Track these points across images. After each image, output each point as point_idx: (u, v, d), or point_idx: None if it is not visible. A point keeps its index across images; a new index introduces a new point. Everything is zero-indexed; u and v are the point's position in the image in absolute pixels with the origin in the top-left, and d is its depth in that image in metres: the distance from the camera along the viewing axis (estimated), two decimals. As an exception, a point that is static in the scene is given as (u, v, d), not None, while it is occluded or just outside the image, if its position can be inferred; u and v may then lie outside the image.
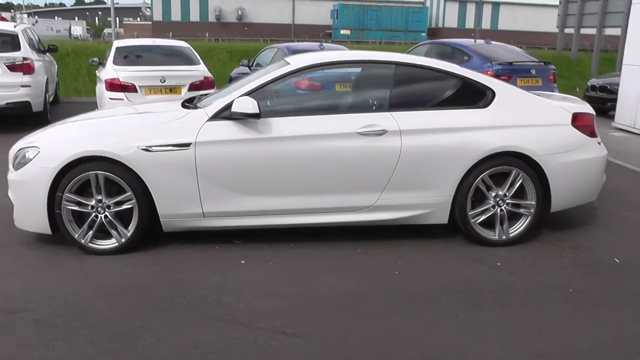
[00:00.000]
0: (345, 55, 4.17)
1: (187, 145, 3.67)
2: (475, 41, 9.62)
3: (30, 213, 3.76)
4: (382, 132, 3.78)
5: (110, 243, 3.78)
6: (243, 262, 3.70)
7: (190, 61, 8.06)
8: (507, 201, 3.95)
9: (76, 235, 3.73)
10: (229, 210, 3.79)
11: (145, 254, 3.80)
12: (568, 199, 4.07)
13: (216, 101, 3.84)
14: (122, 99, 7.28)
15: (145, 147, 3.64)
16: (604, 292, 3.34)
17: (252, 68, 9.99)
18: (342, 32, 54.29)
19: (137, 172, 3.65)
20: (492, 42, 9.60)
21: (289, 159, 3.73)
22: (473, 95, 4.00)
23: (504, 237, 3.98)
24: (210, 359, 2.60)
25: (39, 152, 3.70)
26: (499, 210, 3.96)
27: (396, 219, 3.94)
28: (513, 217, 4.01)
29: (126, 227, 3.76)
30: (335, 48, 9.35)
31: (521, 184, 3.92)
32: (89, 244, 3.76)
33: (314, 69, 3.98)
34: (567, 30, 23.05)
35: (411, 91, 3.98)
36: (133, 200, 3.70)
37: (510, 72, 8.19)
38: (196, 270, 3.56)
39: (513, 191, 3.93)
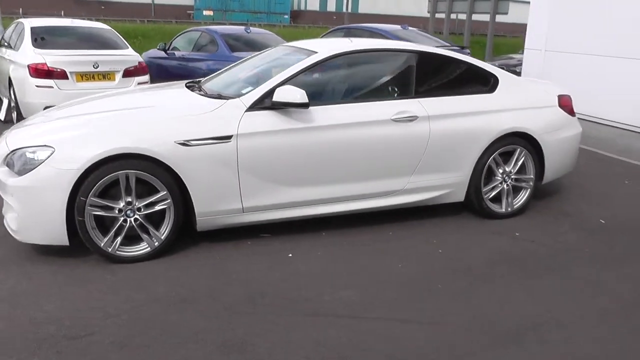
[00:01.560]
0: (372, 44, 4.18)
1: (229, 137, 3.45)
2: (403, 27, 10.04)
3: (43, 223, 3.26)
4: (413, 118, 3.90)
5: (141, 248, 3.43)
6: (290, 255, 3.61)
7: (117, 45, 7.34)
8: (512, 177, 4.33)
9: (102, 244, 3.33)
10: (270, 203, 3.65)
11: (177, 257, 3.52)
12: (556, 171, 4.58)
13: (252, 90, 3.63)
14: (52, 87, 6.44)
15: (183, 142, 3.35)
16: (612, 250, 3.85)
17: (168, 52, 9.41)
18: (204, 13, 52.63)
19: (174, 170, 3.35)
20: (409, 28, 10.12)
21: (329, 148, 3.69)
22: (481, 82, 4.28)
23: (509, 209, 4.36)
24: (346, 354, 2.56)
25: (53, 151, 3.21)
26: (505, 185, 4.33)
27: (422, 201, 4.11)
28: (515, 191, 4.41)
29: (157, 229, 3.45)
30: (261, 33, 9.17)
31: (523, 160, 4.33)
32: (117, 251, 3.39)
33: (343, 57, 3.93)
34: (437, 15, 24.84)
35: (431, 78, 4.13)
36: (168, 200, 3.40)
37: None
38: (249, 268, 3.40)
39: (517, 167, 4.32)
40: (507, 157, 4.30)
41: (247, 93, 3.64)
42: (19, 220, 3.30)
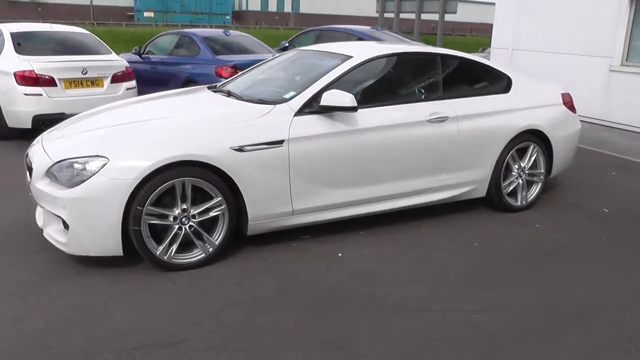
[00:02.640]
0: (401, 48, 4.31)
1: (280, 142, 3.50)
2: (378, 29, 10.27)
3: (98, 234, 3.19)
4: (444, 119, 4.08)
5: (194, 255, 3.42)
6: (340, 254, 3.70)
7: (100, 50, 7.12)
8: (526, 172, 4.61)
9: (158, 252, 3.30)
10: (318, 205, 3.73)
11: (231, 263, 3.53)
12: (560, 165, 4.91)
13: (297, 95, 3.68)
14: (41, 95, 6.18)
15: (238, 147, 3.37)
16: (627, 236, 4.19)
17: (142, 56, 9.19)
18: (145, 14, 51.32)
19: (229, 175, 3.36)
20: (380, 29, 10.38)
21: (373, 149, 3.81)
22: (497, 82, 4.54)
23: (524, 202, 4.64)
24: (449, 343, 2.69)
25: (106, 162, 3.15)
26: (520, 180, 4.60)
27: (450, 197, 4.31)
28: (528, 185, 4.69)
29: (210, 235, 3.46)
30: (240, 35, 9.14)
31: (536, 156, 4.62)
32: (172, 259, 3.36)
33: (377, 60, 4.05)
34: (387, 15, 25.36)
35: (455, 80, 4.33)
36: (223, 206, 3.41)
37: None
38: (308, 268, 3.47)
39: (531, 163, 4.61)
40: (521, 153, 4.58)
41: (291, 98, 3.70)
42: (71, 232, 3.21)
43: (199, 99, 4.17)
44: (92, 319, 2.86)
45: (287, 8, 54.63)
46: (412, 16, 22.04)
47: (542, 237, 4.14)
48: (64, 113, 6.39)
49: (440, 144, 4.08)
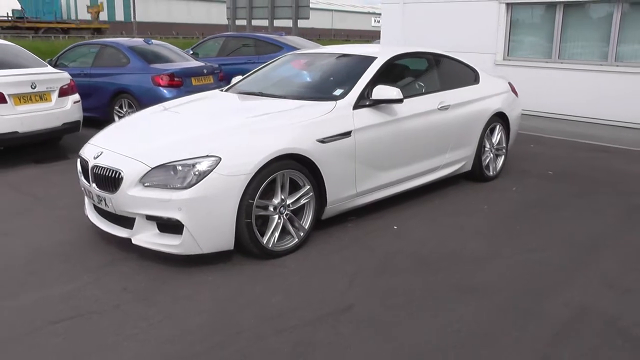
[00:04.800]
0: (409, 49, 4.97)
1: (349, 133, 3.95)
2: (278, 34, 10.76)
3: (214, 231, 3.37)
4: (447, 107, 4.87)
5: (289, 242, 3.73)
6: (395, 227, 4.27)
7: (36, 62, 6.60)
8: (496, 147, 5.63)
9: (265, 241, 3.55)
10: (373, 186, 4.25)
11: (314, 246, 3.89)
12: (513, 140, 6.03)
13: (349, 92, 4.16)
14: (-9, 113, 5.63)
15: (321, 139, 3.76)
16: (581, 189, 5.38)
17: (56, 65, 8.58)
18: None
19: (316, 165, 3.74)
20: (284, 34, 10.93)
21: (409, 134, 4.45)
22: (470, 75, 5.47)
23: (494, 173, 5.66)
24: (526, 277, 3.43)
25: (219, 160, 3.33)
26: (491, 154, 5.60)
27: (451, 173, 5.13)
28: (496, 158, 5.71)
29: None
30: (161, 44, 9.01)
31: (500, 134, 5.66)
32: (274, 248, 3.63)
33: (399, 59, 4.68)
34: (239, 22, 25.71)
35: (445, 75, 5.14)
36: (311, 194, 3.77)
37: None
38: (386, 241, 3.99)
39: (497, 139, 5.63)
40: (489, 132, 5.58)
41: (342, 94, 4.17)
42: (186, 232, 3.33)
43: (243, 99, 4.42)
44: (247, 306, 3.07)
45: (119, 17, 52.13)
46: (266, 22, 22.40)
47: (523, 196, 5.16)
48: (17, 132, 5.92)
49: (446, 127, 4.87)
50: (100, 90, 7.96)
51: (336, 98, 4.14)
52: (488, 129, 5.43)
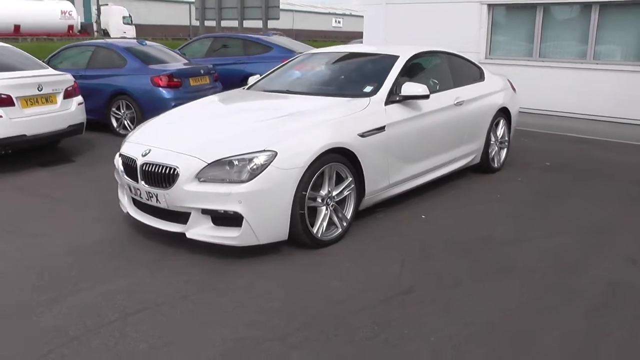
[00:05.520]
0: (424, 48, 5.21)
1: (383, 128, 4.16)
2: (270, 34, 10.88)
3: (273, 222, 3.53)
4: (462, 102, 5.14)
5: (334, 231, 3.91)
6: (423, 216, 4.51)
7: (37, 64, 6.53)
8: (500, 140, 5.95)
9: (315, 231, 3.72)
10: (402, 178, 4.48)
11: (355, 236, 4.07)
12: (513, 133, 6.37)
13: (379, 89, 4.37)
14: (1, 116, 5.55)
15: (361, 134, 3.95)
16: (579, 176, 5.77)
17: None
18: None
19: (358, 158, 3.92)
20: (271, 34, 11.05)
21: (432, 128, 4.70)
22: (476, 73, 5.77)
23: (499, 164, 5.98)
24: (550, 257, 3.73)
25: (275, 154, 3.48)
26: (496, 147, 5.92)
27: (465, 165, 5.41)
28: (500, 150, 6.04)
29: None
30: (155, 45, 9.01)
31: (503, 128, 5.98)
32: (322, 237, 3.80)
33: (417, 57, 4.92)
34: (207, 23, 25.48)
35: (456, 72, 5.42)
36: (352, 186, 3.95)
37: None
38: (418, 228, 4.22)
39: (501, 133, 5.95)
40: (494, 126, 5.90)
41: (372, 91, 4.38)
42: (245, 224, 3.46)
43: (275, 97, 4.58)
44: (312, 292, 3.23)
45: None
46: (235, 23, 22.19)
47: (528, 186, 5.49)
48: (25, 135, 5.85)
49: (461, 122, 5.15)
50: (96, 92, 7.88)
51: (368, 95, 4.35)
52: (494, 123, 5.75)
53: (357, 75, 4.81)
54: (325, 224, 3.80)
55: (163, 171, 3.61)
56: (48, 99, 6.15)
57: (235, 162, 3.47)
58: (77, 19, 35.74)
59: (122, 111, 7.90)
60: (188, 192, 3.50)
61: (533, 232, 4.21)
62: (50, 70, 6.45)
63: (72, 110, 6.43)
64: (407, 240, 4.00)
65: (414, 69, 4.97)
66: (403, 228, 4.25)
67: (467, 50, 10.09)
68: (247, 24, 21.37)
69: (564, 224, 4.39)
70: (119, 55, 8.07)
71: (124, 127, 7.92)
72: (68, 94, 6.40)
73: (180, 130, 4.00)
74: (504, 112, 5.93)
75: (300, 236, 3.66)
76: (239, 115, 4.22)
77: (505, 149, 6.11)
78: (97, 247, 3.93)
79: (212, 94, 7.92)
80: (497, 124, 5.87)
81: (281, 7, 21.20)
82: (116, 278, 3.43)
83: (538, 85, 9.34)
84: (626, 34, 8.62)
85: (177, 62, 8.55)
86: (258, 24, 20.68)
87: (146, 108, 7.67)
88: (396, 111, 4.37)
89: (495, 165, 5.92)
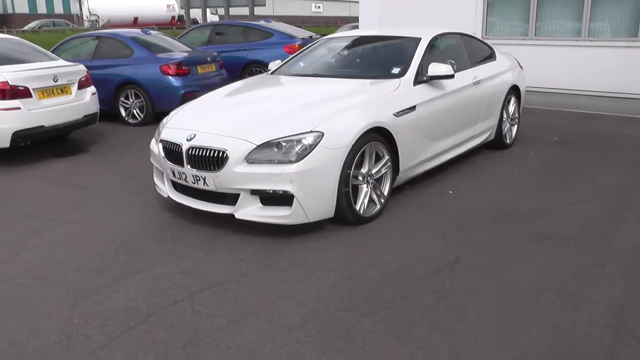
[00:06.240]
0: (442, 29, 5.37)
1: (414, 107, 4.32)
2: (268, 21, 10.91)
3: (322, 200, 3.68)
4: (479, 81, 5.32)
5: (373, 208, 4.07)
6: (450, 192, 4.70)
7: (48, 55, 6.51)
8: (511, 117, 6.15)
9: (358, 208, 3.87)
10: (430, 155, 4.65)
11: (373, 225, 4.22)
12: (521, 109, 6.58)
13: (407, 70, 4.51)
14: (20, 108, 5.56)
15: (396, 113, 4.10)
16: (588, 149, 6.00)
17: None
18: None
19: (394, 137, 4.07)
20: (270, 21, 11.06)
21: (455, 107, 4.87)
22: (488, 53, 5.94)
23: (511, 140, 6.20)
24: (578, 225, 3.96)
25: (322, 135, 3.62)
26: (508, 124, 6.12)
27: (482, 142, 5.60)
28: (510, 127, 6.24)
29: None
30: (158, 35, 8.98)
31: (514, 105, 6.18)
32: (365, 214, 3.95)
33: (437, 39, 5.07)
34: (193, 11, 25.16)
35: (472, 52, 5.58)
36: (389, 164, 4.11)
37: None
38: (448, 202, 4.41)
39: (512, 110, 6.15)
40: (506, 104, 6.10)
41: (400, 72, 4.52)
42: (296, 203, 3.59)
43: (307, 81, 4.70)
44: (368, 265, 3.39)
45: (58, 9, 49.68)
46: (222, 11, 21.94)
47: (542, 159, 5.72)
48: (43, 126, 5.86)
49: (479, 100, 5.33)
50: (104, 83, 7.85)
51: (396, 76, 4.49)
52: (506, 101, 5.94)
53: (383, 58, 4.94)
54: (366, 201, 3.96)
55: (211, 154, 3.71)
56: (63, 89, 6.16)
57: (284, 144, 3.59)
58: (177, 11, 43.51)
59: (131, 100, 7.90)
60: (239, 173, 3.61)
61: (558, 201, 4.43)
62: (63, 62, 6.44)
63: (87, 100, 6.45)
64: (441, 214, 4.18)
65: (434, 50, 5.11)
66: (434, 203, 4.43)
67: (464, 30, 10.27)
68: (232, 11, 21.18)
69: (586, 193, 4.62)
70: (125, 45, 8.05)
71: (133, 116, 7.94)
72: (82, 85, 6.41)
73: (221, 115, 4.10)
74: (514, 90, 6.12)
75: (345, 213, 3.82)
76: (275, 100, 4.34)
77: (516, 126, 6.32)
78: (141, 232, 4.03)
79: (219, 80, 8.06)
80: (508, 102, 6.06)
81: (261, -8, 21.02)
82: (172, 259, 3.54)
83: (535, 63, 9.55)
84: (619, 10, 8.86)
85: (183, 51, 8.55)
86: (244, 10, 20.48)
87: (156, 97, 7.70)
88: (424, 91, 4.52)
89: (508, 141, 6.13)
